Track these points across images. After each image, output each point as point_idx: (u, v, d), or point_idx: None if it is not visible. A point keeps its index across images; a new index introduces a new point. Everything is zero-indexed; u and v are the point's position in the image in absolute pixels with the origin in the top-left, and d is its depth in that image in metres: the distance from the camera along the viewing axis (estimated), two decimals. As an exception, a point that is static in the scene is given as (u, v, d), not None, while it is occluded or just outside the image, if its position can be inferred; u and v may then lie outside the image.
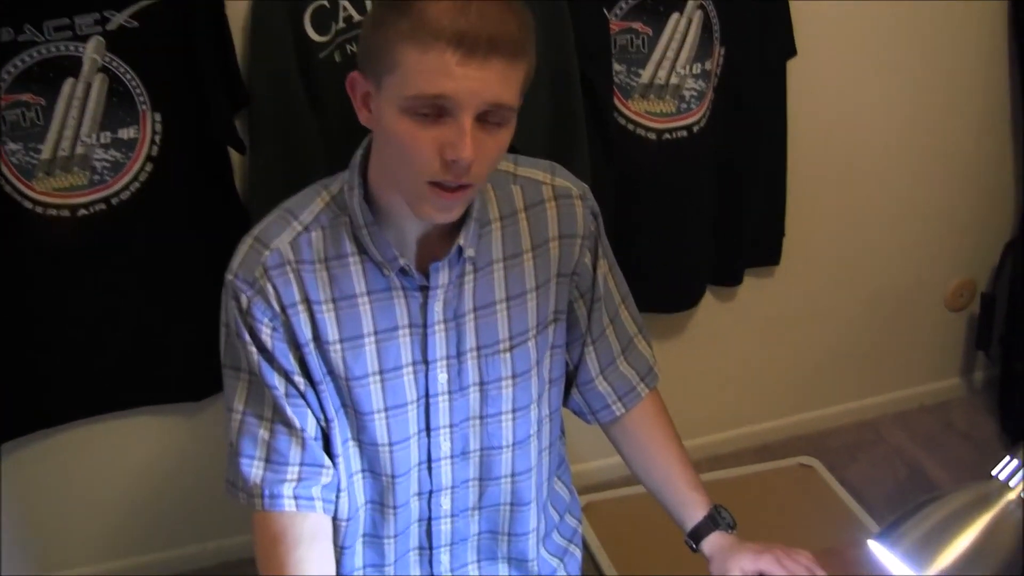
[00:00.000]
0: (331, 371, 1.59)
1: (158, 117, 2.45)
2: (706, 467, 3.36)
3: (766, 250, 3.29)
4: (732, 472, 3.33)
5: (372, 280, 1.57)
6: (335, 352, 1.58)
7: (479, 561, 1.79)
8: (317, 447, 1.61)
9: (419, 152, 1.41)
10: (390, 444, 1.63)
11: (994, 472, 1.32)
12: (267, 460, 1.60)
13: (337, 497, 1.65)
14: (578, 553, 1.92)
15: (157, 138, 2.46)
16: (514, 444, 1.71)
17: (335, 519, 1.66)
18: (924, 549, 1.28)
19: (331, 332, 1.57)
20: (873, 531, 1.39)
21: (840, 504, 3.17)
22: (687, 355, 3.39)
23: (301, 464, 1.60)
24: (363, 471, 1.67)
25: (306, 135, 2.46)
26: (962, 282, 3.74)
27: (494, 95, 1.38)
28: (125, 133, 2.44)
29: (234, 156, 2.58)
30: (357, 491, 1.67)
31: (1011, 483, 1.30)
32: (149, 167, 2.48)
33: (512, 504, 1.75)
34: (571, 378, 1.80)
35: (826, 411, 3.70)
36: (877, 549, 1.39)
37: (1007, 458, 1.31)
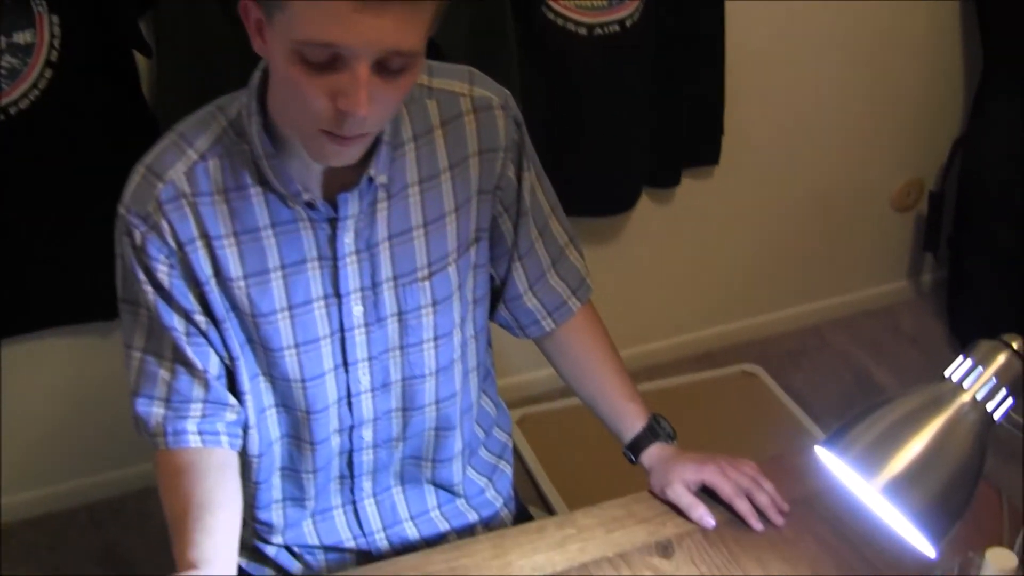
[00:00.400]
0: (235, 308, 1.53)
1: (56, 19, 2.35)
2: (645, 377, 3.36)
3: (704, 149, 3.26)
4: (672, 381, 3.34)
5: (276, 212, 1.50)
6: (239, 289, 1.51)
7: (402, 485, 1.76)
8: (220, 386, 1.57)
9: (310, 100, 1.31)
10: (303, 380, 1.58)
11: (947, 373, 1.30)
12: (167, 400, 1.55)
13: (246, 433, 1.61)
14: (508, 470, 1.89)
15: (56, 42, 2.37)
16: (437, 371, 1.66)
17: (247, 455, 1.63)
18: (874, 455, 1.26)
19: (234, 268, 1.50)
20: (819, 439, 1.37)
21: (784, 412, 3.19)
22: (623, 261, 3.37)
23: (204, 402, 1.56)
24: (276, 406, 1.63)
25: (218, 40, 2.37)
26: (909, 181, 3.74)
27: (393, 43, 1.28)
28: (21, 37, 2.34)
29: (140, 61, 2.50)
30: (270, 426, 1.63)
31: (965, 384, 1.27)
32: (48, 73, 2.39)
33: (437, 430, 1.71)
34: (497, 293, 1.74)
35: (769, 317, 3.71)
36: (824, 456, 1.37)
37: (960, 358, 1.29)
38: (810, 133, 3.43)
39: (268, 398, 1.61)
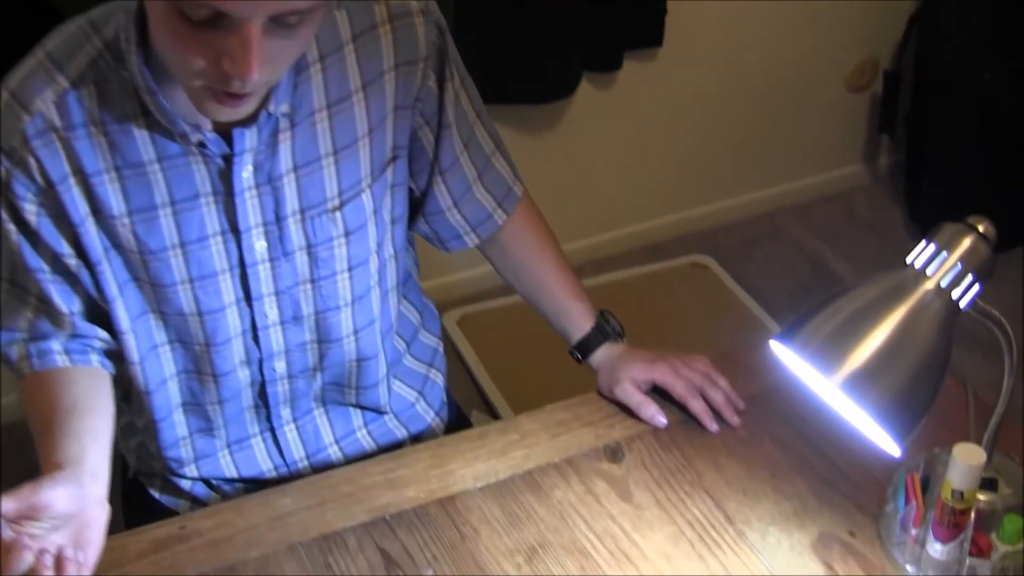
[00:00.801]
0: (118, 246, 1.45)
1: None
2: (591, 272, 3.33)
3: (647, 30, 3.21)
4: (619, 275, 3.31)
5: (162, 146, 1.40)
6: (123, 226, 1.43)
7: (324, 407, 1.71)
8: (88, 325, 1.51)
9: (190, 58, 1.22)
10: (200, 314, 1.52)
11: (909, 259, 1.27)
12: (31, 338, 1.50)
13: (131, 370, 1.55)
14: (440, 379, 1.84)
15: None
16: (353, 301, 1.60)
17: (136, 391, 1.57)
18: (832, 349, 1.24)
19: (116, 205, 1.42)
20: (774, 331, 1.35)
21: (737, 304, 3.19)
22: (563, 151, 3.33)
23: (72, 337, 1.51)
24: (170, 343, 1.56)
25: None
26: (863, 60, 3.71)
27: (288, 5, 1.19)
28: None
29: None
30: (163, 363, 1.57)
31: (928, 271, 1.25)
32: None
33: (358, 360, 1.66)
34: (417, 205, 1.67)
35: (719, 205, 3.71)
36: (779, 351, 1.34)
37: (923, 243, 1.26)
38: (759, 11, 3.39)
39: (160, 335, 1.54)
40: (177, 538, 1.47)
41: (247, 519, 1.50)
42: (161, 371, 1.58)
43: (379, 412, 1.75)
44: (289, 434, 1.69)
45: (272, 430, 1.69)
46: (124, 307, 1.50)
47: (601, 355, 1.70)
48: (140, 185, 1.42)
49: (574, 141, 3.32)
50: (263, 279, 1.52)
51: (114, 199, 1.42)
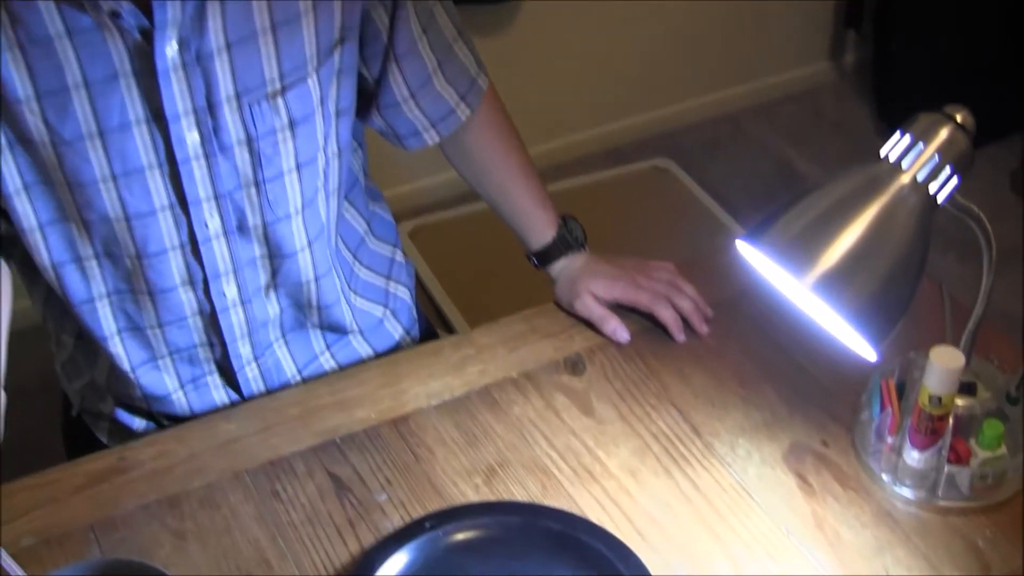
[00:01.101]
0: (25, 140, 1.36)
1: None
2: (549, 178, 3.27)
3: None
4: (578, 181, 3.30)
5: (71, 17, 1.30)
6: (31, 112, 1.33)
7: (284, 336, 1.64)
8: None
9: None
10: (127, 218, 1.43)
11: (883, 152, 1.24)
12: None
13: (46, 293, 1.51)
14: (405, 294, 1.78)
15: None
16: (304, 208, 1.51)
17: (68, 308, 1.51)
18: (803, 248, 1.21)
19: (22, 86, 1.32)
20: (740, 236, 1.32)
21: (701, 208, 3.18)
22: (518, 53, 3.30)
23: None
24: (97, 257, 1.47)
25: None
26: (828, -51, 3.69)
27: None
28: None
29: None
30: (92, 279, 1.49)
31: (903, 164, 1.21)
32: None
33: (316, 277, 1.59)
34: (371, 95, 1.59)
35: (680, 106, 3.70)
36: (747, 251, 1.31)
37: (897, 134, 1.23)
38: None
39: (85, 248, 1.46)
40: (116, 470, 1.44)
41: (189, 447, 1.47)
42: (87, 288, 1.49)
43: (343, 332, 1.69)
44: (250, 373, 1.62)
45: (232, 372, 1.61)
46: (33, 211, 1.42)
47: (561, 265, 1.68)
48: (48, 64, 1.31)
49: (529, 43, 3.29)
50: (198, 180, 1.43)
51: (18, 80, 1.31)
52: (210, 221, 1.46)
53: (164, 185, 1.42)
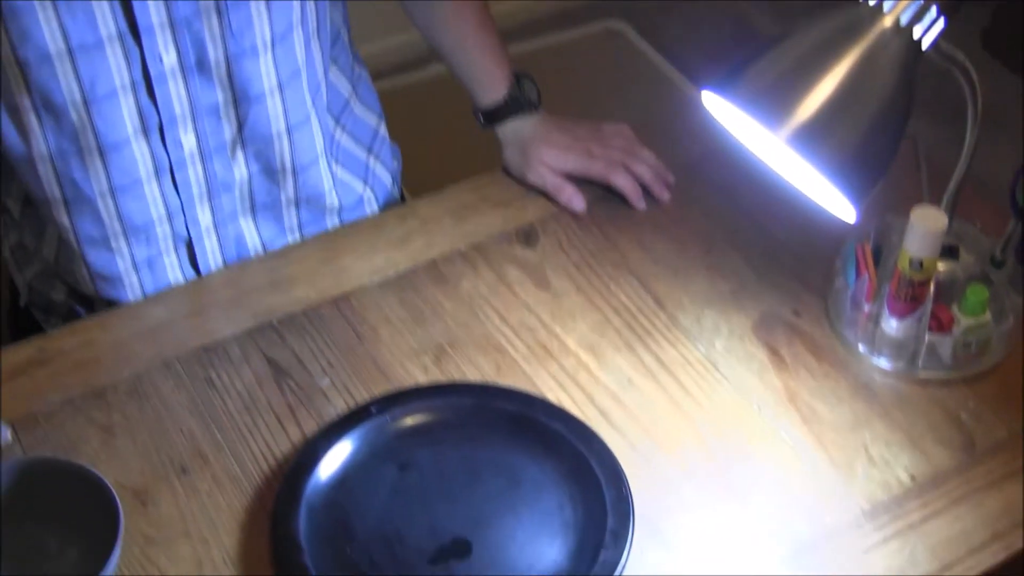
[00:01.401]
0: None
1: None
2: (496, 43, 3.26)
3: None
4: (527, 46, 3.26)
5: None
6: None
7: (254, 213, 1.56)
8: None
9: None
10: (70, 52, 1.33)
11: (860, -7, 1.19)
12: None
13: None
14: (384, 174, 1.71)
15: None
16: (273, 43, 1.42)
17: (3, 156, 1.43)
18: (777, 98, 1.16)
19: None
20: (698, 100, 1.28)
21: (656, 72, 3.15)
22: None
23: None
24: (35, 108, 1.38)
25: None
26: None
27: None
28: None
29: None
30: (30, 135, 1.39)
31: (884, 6, 1.17)
32: None
33: (287, 129, 1.50)
34: None
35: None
36: (713, 104, 1.28)
37: (876, -26, 1.18)
38: None
39: (22, 98, 1.36)
40: (36, 362, 1.40)
41: (114, 334, 1.44)
42: (25, 146, 1.41)
43: (320, 208, 1.61)
44: (208, 244, 1.54)
45: (189, 241, 1.53)
46: None
47: (512, 127, 1.65)
48: None
49: None
50: (152, 3, 1.34)
51: None
52: (165, 55, 1.37)
53: (112, 10, 1.32)
